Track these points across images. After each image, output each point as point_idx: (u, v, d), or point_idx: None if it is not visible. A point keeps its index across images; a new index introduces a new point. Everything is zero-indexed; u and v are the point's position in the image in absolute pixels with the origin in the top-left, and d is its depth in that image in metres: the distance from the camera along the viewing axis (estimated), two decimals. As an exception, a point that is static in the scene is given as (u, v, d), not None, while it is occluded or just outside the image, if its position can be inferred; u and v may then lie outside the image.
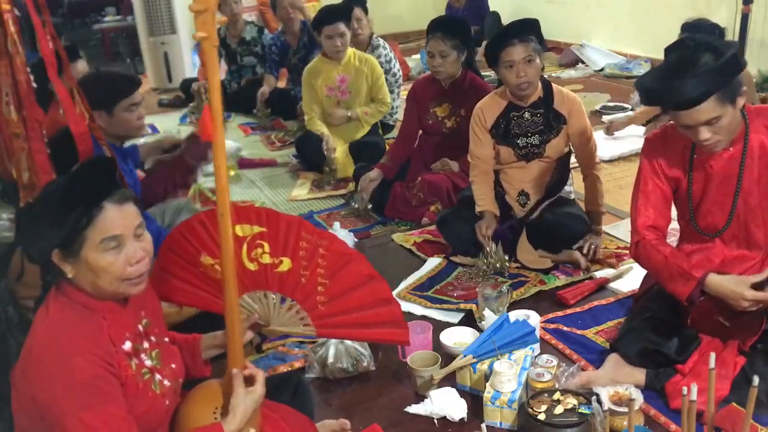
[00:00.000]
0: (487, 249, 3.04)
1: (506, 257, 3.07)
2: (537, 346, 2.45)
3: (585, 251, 3.06)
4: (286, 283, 1.81)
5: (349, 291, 1.82)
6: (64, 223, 1.44)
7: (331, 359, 2.43)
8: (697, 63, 2.00)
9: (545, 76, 3.18)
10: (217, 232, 1.76)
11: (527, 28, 2.97)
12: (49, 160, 2.00)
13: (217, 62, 1.52)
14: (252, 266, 1.78)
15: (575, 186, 3.35)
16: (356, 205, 3.90)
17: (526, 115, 3.07)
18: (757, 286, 2.08)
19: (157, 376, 1.60)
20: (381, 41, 5.01)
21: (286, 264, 1.78)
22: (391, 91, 4.79)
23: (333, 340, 2.46)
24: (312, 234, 1.76)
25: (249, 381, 1.61)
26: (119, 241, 1.49)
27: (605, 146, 4.59)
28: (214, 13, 1.48)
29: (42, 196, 1.55)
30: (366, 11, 5.10)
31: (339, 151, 4.34)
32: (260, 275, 1.80)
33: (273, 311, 1.86)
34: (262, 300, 1.85)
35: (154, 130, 5.64)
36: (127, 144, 3.00)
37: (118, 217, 1.49)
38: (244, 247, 1.77)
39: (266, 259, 1.78)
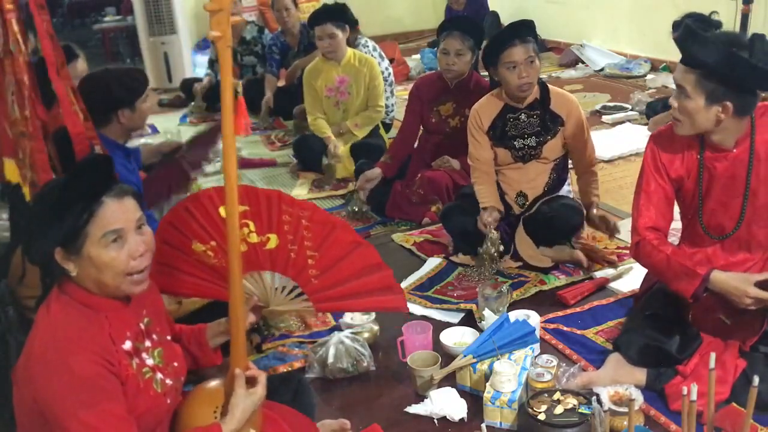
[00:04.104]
0: (489, 236, 3.02)
1: (502, 248, 3.07)
2: (537, 346, 2.45)
3: (603, 228, 3.04)
4: (277, 260, 1.81)
5: (338, 260, 1.82)
6: (64, 220, 1.45)
7: (331, 359, 2.43)
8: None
9: (545, 75, 3.17)
10: (202, 216, 1.79)
11: (526, 29, 2.98)
12: (49, 159, 2.00)
13: (230, 62, 1.52)
14: (242, 247, 1.77)
15: (574, 186, 3.35)
16: (354, 208, 3.89)
17: (522, 116, 3.07)
18: (761, 285, 2.08)
19: (159, 375, 1.60)
20: (365, 40, 4.96)
21: (273, 240, 1.79)
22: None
23: (333, 340, 2.46)
24: (292, 206, 1.77)
25: (250, 382, 1.62)
26: (121, 235, 1.49)
27: (605, 146, 4.60)
28: (229, 12, 1.48)
29: (40, 196, 1.56)
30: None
31: (341, 151, 4.33)
32: (251, 255, 1.80)
33: (270, 292, 1.86)
34: (258, 282, 1.85)
35: (154, 130, 5.64)
36: (130, 145, 3.02)
37: (119, 210, 1.49)
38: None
39: (254, 239, 1.78)
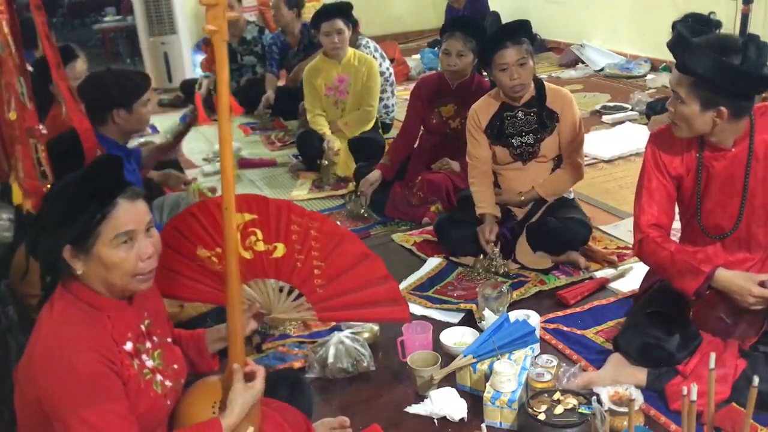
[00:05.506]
0: (490, 254, 3.04)
1: (505, 261, 3.07)
2: (537, 346, 2.45)
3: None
4: (282, 269, 1.81)
5: (345, 271, 1.82)
6: (78, 219, 1.46)
7: (331, 359, 2.43)
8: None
9: (545, 75, 3.17)
10: (209, 223, 1.78)
11: (520, 30, 2.97)
12: (37, 164, 2.00)
13: (226, 57, 1.52)
14: (247, 255, 1.78)
15: (575, 186, 3.34)
16: (353, 209, 3.88)
17: (520, 114, 3.07)
18: (765, 285, 2.08)
19: (159, 377, 1.60)
20: (365, 40, 4.98)
21: (280, 249, 1.78)
22: (383, 91, 4.79)
23: (333, 340, 2.46)
24: (302, 216, 1.76)
25: (249, 377, 1.62)
26: (132, 236, 1.50)
27: (605, 146, 4.59)
28: (225, 7, 1.49)
29: (53, 194, 1.56)
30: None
31: (338, 147, 4.32)
32: (256, 263, 1.80)
33: (273, 299, 1.86)
34: (261, 289, 1.85)
35: (154, 130, 5.64)
36: (130, 145, 3.03)
37: (131, 212, 1.51)
38: (238, 236, 1.76)
39: (260, 247, 1.78)
